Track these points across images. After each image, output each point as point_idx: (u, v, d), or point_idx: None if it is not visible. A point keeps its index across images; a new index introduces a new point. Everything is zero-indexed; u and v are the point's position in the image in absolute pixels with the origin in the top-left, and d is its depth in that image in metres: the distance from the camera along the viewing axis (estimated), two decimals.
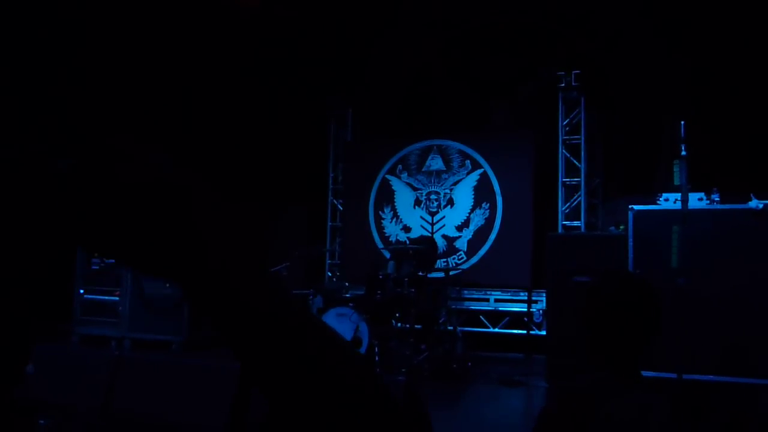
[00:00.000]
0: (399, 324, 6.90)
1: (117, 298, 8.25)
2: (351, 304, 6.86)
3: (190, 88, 8.63)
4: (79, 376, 3.75)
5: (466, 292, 8.93)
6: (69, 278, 8.52)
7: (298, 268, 7.86)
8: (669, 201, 5.97)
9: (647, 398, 1.89)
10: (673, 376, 4.10)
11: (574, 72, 8.42)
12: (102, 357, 3.94)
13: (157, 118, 8.43)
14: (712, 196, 5.89)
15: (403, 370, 6.35)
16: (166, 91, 8.48)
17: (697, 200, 5.86)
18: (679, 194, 4.87)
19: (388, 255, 9.10)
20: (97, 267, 8.44)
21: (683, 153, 4.33)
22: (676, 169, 4.85)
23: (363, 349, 6.59)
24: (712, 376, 5.45)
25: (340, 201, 10.26)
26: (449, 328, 7.42)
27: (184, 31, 7.70)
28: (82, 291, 8.47)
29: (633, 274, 5.37)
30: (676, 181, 4.94)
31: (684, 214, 4.62)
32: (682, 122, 4.38)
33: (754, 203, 5.74)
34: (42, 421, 3.20)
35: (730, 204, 5.85)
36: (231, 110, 8.99)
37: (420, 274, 7.36)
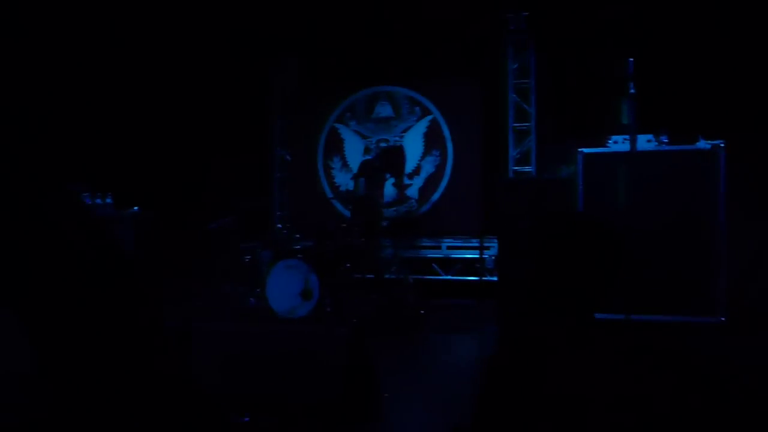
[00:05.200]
0: (350, 274, 6.79)
1: None
2: (299, 256, 6.71)
3: (131, 36, 8.23)
4: None
5: (417, 239, 8.88)
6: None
7: (244, 220, 7.65)
8: (618, 143, 5.94)
9: (596, 342, 1.81)
10: (621, 317, 4.10)
11: (522, 14, 8.28)
12: None
13: (96, 65, 8.03)
14: (661, 138, 5.87)
15: (354, 320, 6.27)
16: (105, 37, 8.06)
17: (645, 142, 5.83)
18: (628, 136, 4.81)
19: (338, 204, 8.95)
20: None
21: (631, 91, 4.25)
22: (623, 107, 4.78)
23: (314, 301, 6.49)
24: (660, 316, 5.51)
25: (287, 151, 10.00)
26: (401, 276, 7.35)
27: None
28: None
29: (586, 213, 5.36)
30: (624, 120, 4.88)
31: (631, 156, 4.58)
32: (630, 60, 4.29)
33: (702, 144, 5.74)
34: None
35: (678, 145, 5.84)
36: (169, 59, 8.62)
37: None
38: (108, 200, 7.91)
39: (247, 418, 2.88)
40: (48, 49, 7.54)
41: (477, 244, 8.11)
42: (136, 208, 7.66)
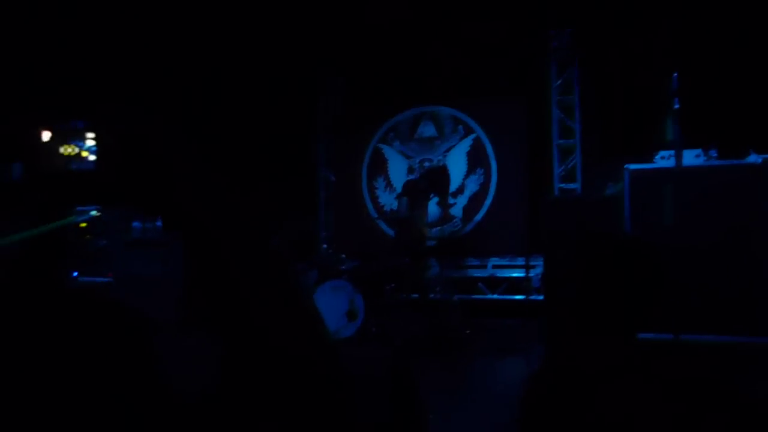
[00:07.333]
0: (395, 295, 6.80)
1: (111, 279, 8.16)
2: (345, 276, 6.75)
3: (179, 60, 8.44)
4: None
5: (463, 259, 8.83)
6: (62, 261, 8.41)
7: (290, 240, 7.73)
8: (665, 159, 5.83)
9: (642, 363, 1.79)
10: (670, 336, 4.00)
11: (566, 30, 8.23)
12: None
13: (147, 87, 8.25)
14: (710, 152, 5.74)
15: (399, 341, 6.26)
16: (154, 61, 8.29)
17: (694, 157, 5.71)
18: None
19: (382, 224, 8.98)
20: (90, 249, 8.33)
21: (676, 106, 4.18)
22: (669, 123, 4.70)
23: (359, 322, 6.51)
24: (710, 336, 5.35)
25: (332, 172, 10.09)
26: (446, 296, 7.31)
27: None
28: (76, 273, 8.37)
29: (628, 235, 5.26)
30: (669, 136, 4.80)
31: (678, 171, 4.49)
32: (675, 74, 4.23)
33: (753, 158, 5.59)
34: None
35: (727, 160, 5.70)
36: (217, 82, 8.81)
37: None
38: (158, 223, 8.10)
39: None
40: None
41: (523, 263, 8.03)
42: None
